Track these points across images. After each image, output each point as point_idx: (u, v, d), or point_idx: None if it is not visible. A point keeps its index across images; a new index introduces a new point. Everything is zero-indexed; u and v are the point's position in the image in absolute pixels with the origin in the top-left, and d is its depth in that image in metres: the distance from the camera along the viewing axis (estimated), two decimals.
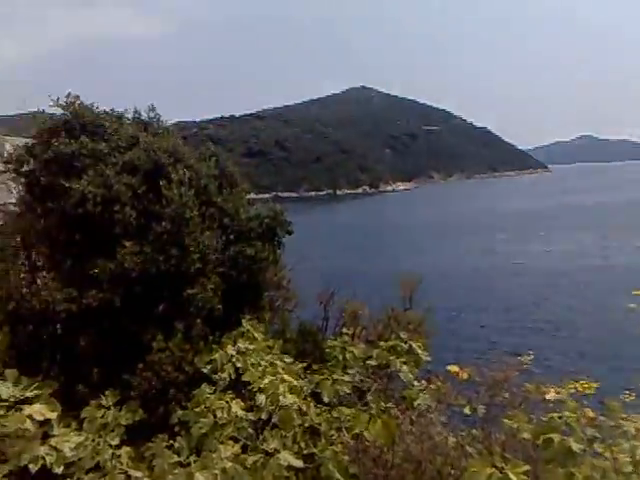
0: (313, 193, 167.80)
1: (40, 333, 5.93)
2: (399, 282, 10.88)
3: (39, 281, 5.67)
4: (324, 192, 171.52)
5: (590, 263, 43.59)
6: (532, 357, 4.44)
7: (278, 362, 5.27)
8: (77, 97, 5.96)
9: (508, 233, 62.60)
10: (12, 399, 4.73)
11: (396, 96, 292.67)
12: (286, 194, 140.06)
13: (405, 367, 4.85)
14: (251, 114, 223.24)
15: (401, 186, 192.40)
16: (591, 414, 3.33)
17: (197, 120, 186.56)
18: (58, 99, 5.90)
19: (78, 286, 5.57)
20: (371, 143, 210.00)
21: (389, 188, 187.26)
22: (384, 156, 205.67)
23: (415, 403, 4.49)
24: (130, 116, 6.69)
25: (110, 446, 4.59)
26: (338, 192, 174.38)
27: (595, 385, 3.74)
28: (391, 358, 5.30)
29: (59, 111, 6.28)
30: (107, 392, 5.25)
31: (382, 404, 4.30)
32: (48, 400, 4.75)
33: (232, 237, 6.92)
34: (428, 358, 5.12)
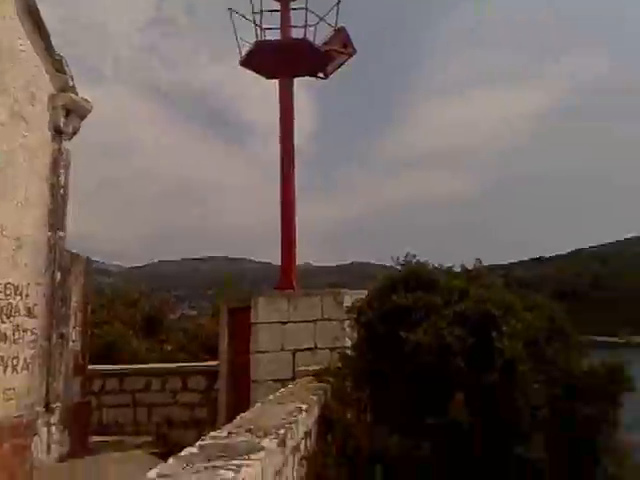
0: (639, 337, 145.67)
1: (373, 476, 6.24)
2: None
3: (375, 429, 6.05)
4: None
5: None
6: None
7: None
8: (414, 256, 6.73)
9: None
10: None
11: None
12: (604, 338, 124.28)
13: None
14: (563, 254, 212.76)
15: None
16: None
17: (504, 263, 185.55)
18: (398, 257, 6.74)
19: (407, 434, 5.76)
20: None
21: None
22: None
23: None
24: (458, 269, 7.11)
25: None
26: None
27: None
28: None
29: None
30: None
31: None
32: None
33: (563, 393, 6.39)
34: None
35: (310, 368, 8.49)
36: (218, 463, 3.62)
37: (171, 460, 3.75)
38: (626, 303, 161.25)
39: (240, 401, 9.63)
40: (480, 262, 7.10)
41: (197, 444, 4.29)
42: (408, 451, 5.54)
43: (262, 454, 3.91)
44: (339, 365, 7.76)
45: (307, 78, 12.27)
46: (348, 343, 9.02)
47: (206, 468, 3.50)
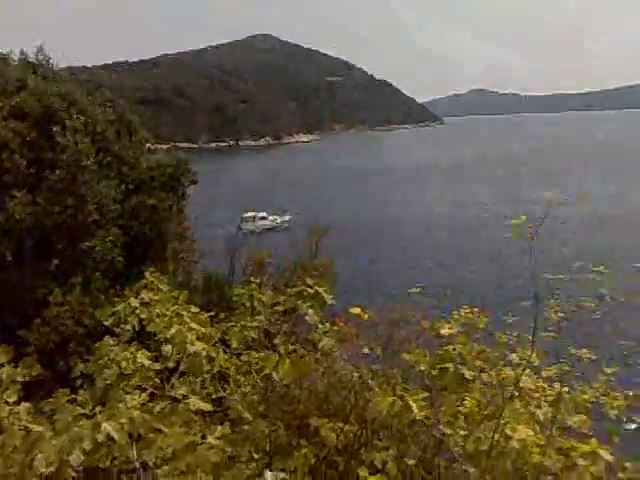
0: (214, 144, 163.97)
1: None
2: (307, 231, 11.09)
3: None
4: (225, 143, 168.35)
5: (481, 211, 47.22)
6: (424, 294, 4.59)
7: (184, 312, 5.25)
8: None
9: (400, 185, 65.88)
10: None
11: (298, 45, 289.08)
12: (185, 144, 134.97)
13: (311, 311, 5.00)
14: (146, 60, 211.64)
15: (303, 138, 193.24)
16: (480, 347, 3.66)
17: (89, 66, 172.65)
18: None
19: None
20: (273, 94, 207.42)
21: (292, 140, 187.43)
22: (287, 108, 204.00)
23: (320, 344, 4.68)
24: (17, 57, 6.10)
25: (7, 403, 4.41)
26: (240, 143, 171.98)
27: (484, 319, 4.00)
28: (298, 303, 5.44)
29: None
30: (0, 349, 5.01)
31: (289, 346, 4.45)
32: None
33: (132, 187, 6.69)
34: (333, 301, 5.28)
35: None
36: None
37: None
38: (204, 111, 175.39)
39: None
40: (43, 51, 6.27)
41: None
42: None
43: None
44: None
45: None
46: None
47: None
